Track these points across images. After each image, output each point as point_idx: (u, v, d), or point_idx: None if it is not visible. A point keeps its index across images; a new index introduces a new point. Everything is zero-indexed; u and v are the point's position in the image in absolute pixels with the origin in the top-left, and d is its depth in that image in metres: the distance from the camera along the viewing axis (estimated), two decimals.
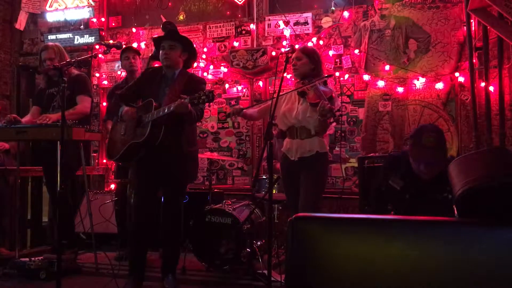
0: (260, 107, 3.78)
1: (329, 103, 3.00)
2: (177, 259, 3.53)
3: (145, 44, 5.83)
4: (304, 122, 3.31)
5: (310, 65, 3.38)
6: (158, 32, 5.44)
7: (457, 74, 4.64)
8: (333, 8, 5.10)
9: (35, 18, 6.47)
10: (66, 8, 6.22)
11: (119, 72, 5.94)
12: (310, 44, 5.07)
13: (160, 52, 3.42)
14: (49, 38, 6.14)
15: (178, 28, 5.66)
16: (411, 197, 2.62)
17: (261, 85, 5.39)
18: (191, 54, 3.54)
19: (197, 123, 5.61)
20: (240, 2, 5.57)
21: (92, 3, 6.11)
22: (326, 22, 5.16)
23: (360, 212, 4.27)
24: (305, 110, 3.30)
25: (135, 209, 3.43)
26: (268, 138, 2.73)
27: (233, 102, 5.47)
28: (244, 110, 3.55)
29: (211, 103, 3.63)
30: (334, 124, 3.28)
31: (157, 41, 3.52)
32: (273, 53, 5.19)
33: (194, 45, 3.63)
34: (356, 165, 4.69)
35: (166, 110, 3.13)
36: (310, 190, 3.28)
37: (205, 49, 5.62)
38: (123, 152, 3.37)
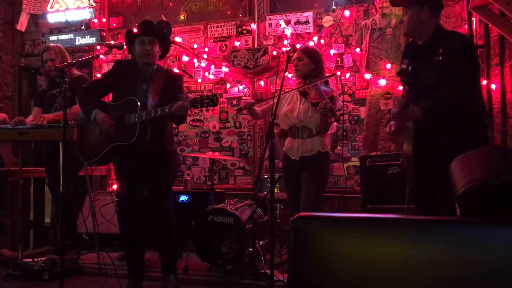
0: (263, 106, 3.79)
1: (330, 102, 3.02)
2: (176, 259, 3.48)
3: None
4: (306, 122, 3.33)
5: (311, 65, 3.40)
6: None
7: None
8: (334, 7, 5.10)
9: (36, 19, 6.47)
10: (67, 9, 6.22)
11: None
12: (311, 43, 5.06)
13: (139, 47, 3.24)
14: (50, 39, 6.15)
15: (178, 28, 5.70)
16: (415, 67, 2.65)
17: (262, 85, 5.39)
18: (166, 48, 3.44)
19: (199, 123, 5.66)
20: (241, 1, 5.57)
21: (93, 4, 6.11)
22: (327, 21, 5.16)
23: (362, 211, 4.27)
24: (306, 110, 3.32)
25: (124, 211, 3.36)
26: (270, 138, 2.73)
27: (234, 102, 5.48)
28: (255, 108, 3.59)
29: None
30: (335, 123, 3.29)
31: (132, 36, 3.32)
32: (274, 53, 5.19)
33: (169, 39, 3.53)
34: (358, 164, 4.69)
35: (159, 112, 3.04)
36: (311, 189, 3.29)
37: (206, 49, 5.62)
38: (104, 154, 3.23)
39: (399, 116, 2.59)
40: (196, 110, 5.60)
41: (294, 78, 3.91)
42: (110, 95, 3.50)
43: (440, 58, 2.52)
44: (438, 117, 2.54)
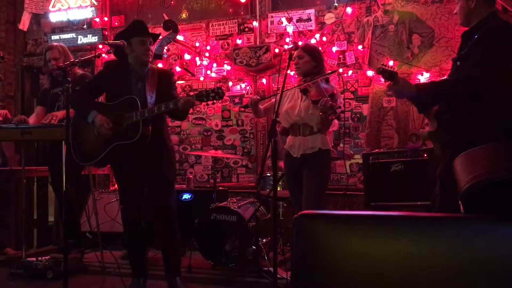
0: (264, 105, 3.79)
1: (331, 100, 3.03)
2: (179, 259, 3.41)
3: None
4: (306, 119, 3.33)
5: (312, 63, 3.41)
6: (161, 31, 5.45)
7: None
8: (336, 4, 5.09)
9: (38, 19, 6.48)
10: (69, 8, 6.23)
11: None
12: (313, 40, 5.06)
13: (141, 47, 3.22)
14: (52, 38, 6.15)
15: (180, 26, 5.69)
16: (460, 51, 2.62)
17: (264, 83, 5.38)
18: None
19: (201, 121, 5.67)
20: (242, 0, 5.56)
21: (95, 3, 6.11)
22: (329, 18, 5.14)
23: (366, 208, 4.27)
24: (307, 107, 3.32)
25: (124, 211, 3.34)
26: (272, 136, 2.73)
27: (236, 100, 5.47)
28: (259, 104, 3.60)
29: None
30: (337, 121, 3.29)
31: (128, 36, 3.26)
32: (276, 50, 5.18)
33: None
34: (361, 161, 4.69)
35: (163, 108, 3.04)
36: (312, 187, 3.29)
37: (208, 47, 5.62)
38: (106, 154, 3.20)
39: (391, 88, 2.56)
40: (198, 108, 5.61)
41: (296, 76, 3.90)
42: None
43: (469, 45, 2.45)
44: (432, 98, 2.49)
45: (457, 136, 2.42)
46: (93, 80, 3.50)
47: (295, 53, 3.41)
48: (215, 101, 3.06)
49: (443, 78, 2.53)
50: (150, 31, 3.37)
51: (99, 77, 3.48)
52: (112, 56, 3.57)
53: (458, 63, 2.48)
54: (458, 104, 2.44)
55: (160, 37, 3.98)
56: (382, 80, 2.71)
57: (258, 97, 3.61)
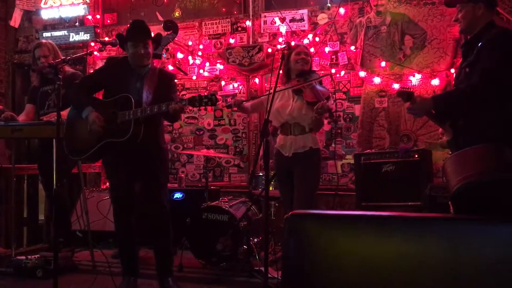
0: (254, 101, 3.79)
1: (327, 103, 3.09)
2: (172, 259, 3.39)
3: None
4: (299, 119, 3.34)
5: (310, 63, 3.53)
6: (154, 30, 5.42)
7: (452, 70, 4.64)
8: (329, 4, 5.10)
9: (30, 16, 6.43)
10: (61, 5, 6.19)
11: None
12: (306, 41, 5.07)
13: (133, 50, 3.20)
14: (44, 35, 6.11)
15: None
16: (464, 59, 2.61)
17: (257, 82, 5.38)
18: (155, 48, 3.44)
19: (193, 120, 5.66)
20: None
21: (87, 0, 6.08)
22: (322, 18, 5.16)
23: (357, 208, 4.28)
24: (300, 108, 3.33)
25: (116, 209, 3.32)
26: (264, 136, 2.73)
27: (229, 99, 5.46)
28: (244, 103, 3.62)
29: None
30: (326, 120, 3.32)
31: (124, 38, 3.26)
32: (269, 50, 5.19)
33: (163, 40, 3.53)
34: (352, 161, 4.70)
35: (156, 109, 3.03)
36: (304, 186, 3.30)
37: (201, 46, 5.61)
38: (96, 150, 3.19)
39: (410, 109, 2.57)
40: (190, 107, 5.58)
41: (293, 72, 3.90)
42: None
43: (475, 51, 2.43)
44: (447, 107, 2.49)
45: (470, 141, 2.39)
46: (93, 74, 3.48)
47: (303, 49, 3.45)
48: (207, 107, 3.08)
49: (458, 87, 2.49)
50: None
51: (99, 72, 3.46)
52: (105, 54, 3.55)
53: (467, 69, 2.48)
54: (470, 110, 2.44)
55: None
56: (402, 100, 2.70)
57: (243, 99, 3.63)
